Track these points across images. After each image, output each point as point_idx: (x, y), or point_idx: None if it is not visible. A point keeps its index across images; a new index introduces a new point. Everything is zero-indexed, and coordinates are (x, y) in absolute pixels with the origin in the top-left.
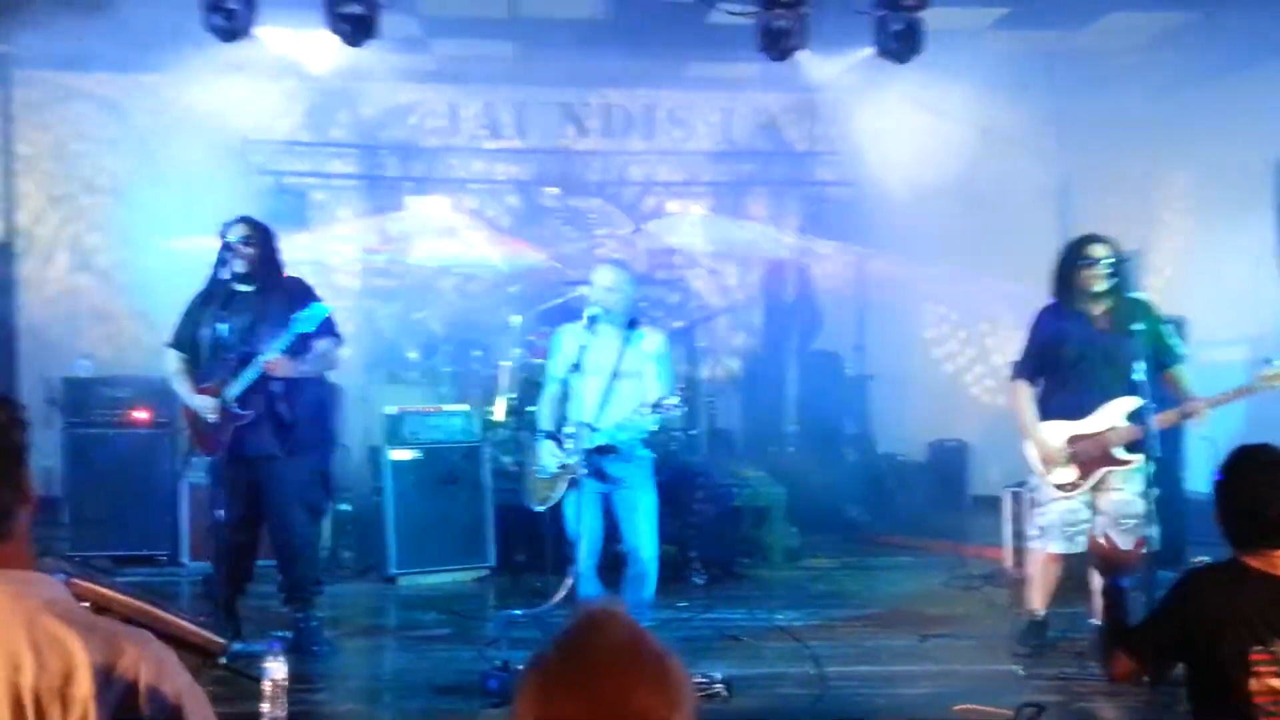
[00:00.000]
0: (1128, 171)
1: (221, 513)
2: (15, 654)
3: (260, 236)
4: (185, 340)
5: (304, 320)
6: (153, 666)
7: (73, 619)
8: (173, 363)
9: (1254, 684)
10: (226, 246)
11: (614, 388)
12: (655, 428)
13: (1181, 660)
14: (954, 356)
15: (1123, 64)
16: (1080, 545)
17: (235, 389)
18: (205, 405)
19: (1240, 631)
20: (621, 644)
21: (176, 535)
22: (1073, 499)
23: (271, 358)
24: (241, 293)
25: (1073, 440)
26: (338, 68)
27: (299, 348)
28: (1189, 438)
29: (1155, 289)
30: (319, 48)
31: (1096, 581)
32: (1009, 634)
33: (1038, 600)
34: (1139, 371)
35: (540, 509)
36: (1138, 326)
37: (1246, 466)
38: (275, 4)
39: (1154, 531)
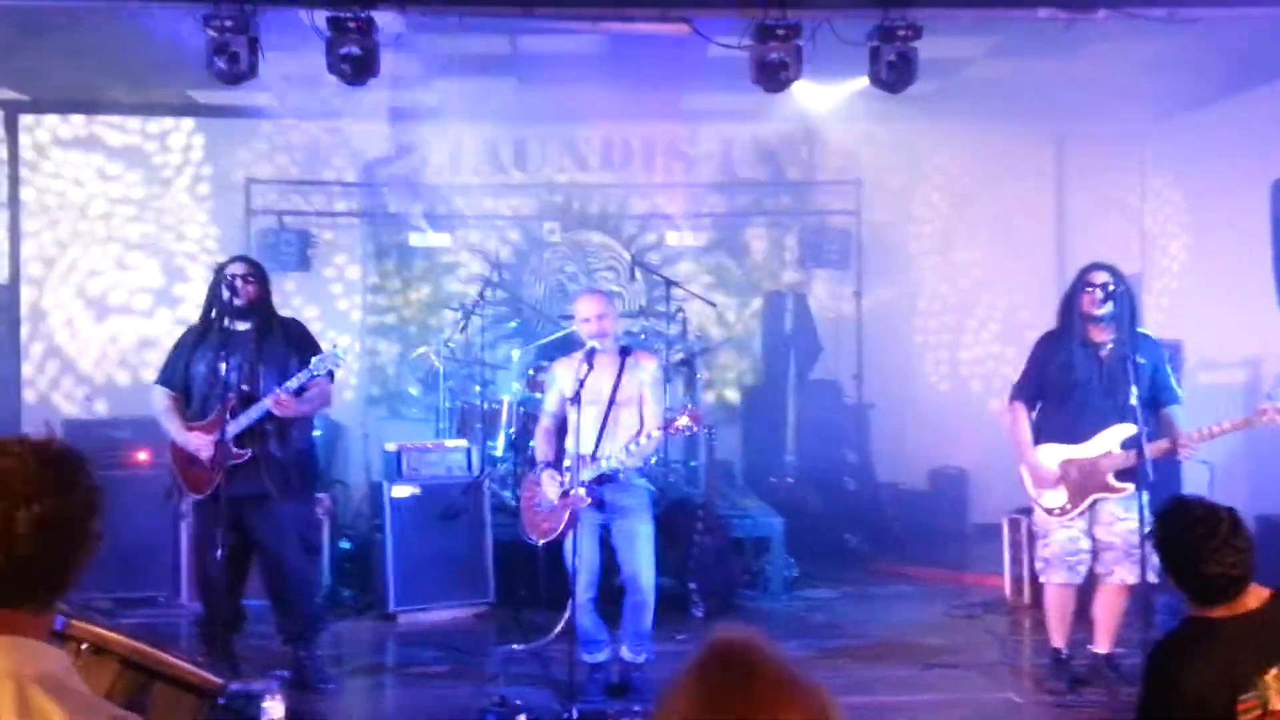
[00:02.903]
0: (1124, 195)
1: (220, 552)
2: None
3: (259, 275)
4: (176, 378)
5: (320, 364)
6: None
7: (63, 696)
8: (162, 400)
9: None
10: (226, 284)
11: (611, 415)
12: (655, 459)
13: None
14: (953, 384)
15: (1118, 88)
16: (1081, 575)
17: (235, 428)
18: (200, 443)
19: (1223, 691)
20: (781, 666)
21: (176, 576)
22: (1072, 529)
23: (283, 396)
24: (239, 332)
25: (1065, 464)
26: (339, 107)
27: (300, 387)
28: (1185, 463)
29: (1153, 311)
30: (321, 88)
31: (1096, 610)
32: (1011, 663)
33: (1057, 637)
34: (1133, 398)
35: (541, 543)
36: (1140, 360)
37: (1175, 530)
38: (277, 46)
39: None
